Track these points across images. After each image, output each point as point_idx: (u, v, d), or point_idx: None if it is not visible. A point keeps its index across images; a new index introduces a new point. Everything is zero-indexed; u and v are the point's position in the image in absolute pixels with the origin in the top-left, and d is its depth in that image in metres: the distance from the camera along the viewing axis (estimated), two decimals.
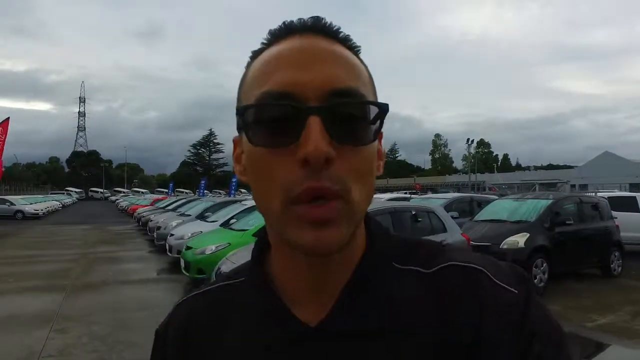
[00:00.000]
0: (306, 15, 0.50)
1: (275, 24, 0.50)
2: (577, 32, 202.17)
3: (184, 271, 7.43)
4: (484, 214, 8.94)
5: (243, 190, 61.38)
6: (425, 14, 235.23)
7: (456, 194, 14.20)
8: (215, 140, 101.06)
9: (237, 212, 9.39)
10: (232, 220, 9.05)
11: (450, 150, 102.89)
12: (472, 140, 53.26)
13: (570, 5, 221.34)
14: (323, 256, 0.46)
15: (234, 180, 32.69)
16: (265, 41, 0.50)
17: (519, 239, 7.32)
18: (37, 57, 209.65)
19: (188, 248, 7.58)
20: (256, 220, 8.97)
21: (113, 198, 67.32)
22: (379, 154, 0.51)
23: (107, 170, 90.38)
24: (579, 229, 8.08)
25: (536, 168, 77.83)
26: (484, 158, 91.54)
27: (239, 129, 0.50)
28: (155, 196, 37.71)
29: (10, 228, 18.96)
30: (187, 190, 71.89)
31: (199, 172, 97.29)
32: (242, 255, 5.66)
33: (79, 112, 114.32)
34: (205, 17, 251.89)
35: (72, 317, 5.63)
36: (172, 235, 9.65)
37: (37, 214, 27.59)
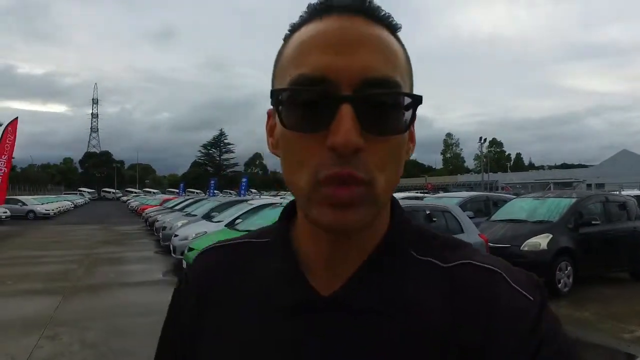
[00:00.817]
0: None
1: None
2: (590, 29, 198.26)
3: None
4: (502, 213, 8.48)
5: (253, 190, 61.63)
6: (436, 12, 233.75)
7: (471, 193, 13.59)
8: (225, 141, 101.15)
9: (243, 212, 9.07)
10: (238, 221, 8.73)
11: (462, 149, 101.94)
12: (485, 139, 52.38)
13: (583, 1, 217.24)
14: (343, 234, 0.47)
15: (244, 180, 32.50)
16: (303, 15, 0.50)
17: (541, 241, 6.87)
18: (53, 60, 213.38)
19: (191, 249, 7.21)
20: (262, 221, 8.72)
21: (124, 198, 67.75)
22: (411, 136, 0.52)
23: (119, 171, 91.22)
24: (606, 229, 7.56)
25: (550, 167, 76.34)
26: (496, 157, 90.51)
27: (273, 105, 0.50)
28: (165, 196, 37.47)
29: (18, 228, 18.86)
30: (198, 191, 72.08)
31: (209, 172, 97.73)
32: None
33: (91, 113, 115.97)
34: (216, 18, 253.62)
35: (66, 322, 5.30)
36: (176, 235, 9.32)
37: (49, 214, 27.69)
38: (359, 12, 0.47)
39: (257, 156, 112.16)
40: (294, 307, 0.50)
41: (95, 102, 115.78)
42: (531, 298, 0.48)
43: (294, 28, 0.50)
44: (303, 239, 0.54)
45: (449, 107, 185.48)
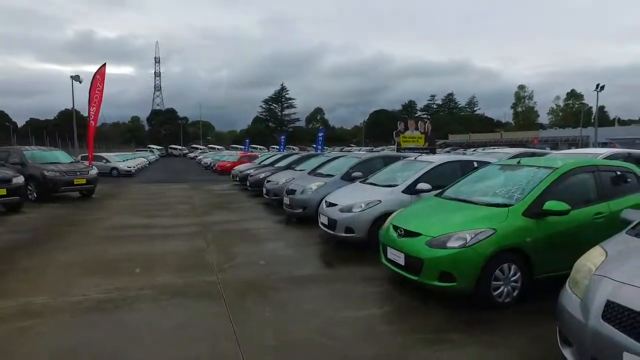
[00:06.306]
0: None
1: None
2: None
3: (388, 265, 5.32)
4: None
5: (293, 147, 60.55)
6: None
7: (607, 149, 11.47)
8: (287, 96, 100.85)
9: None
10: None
11: (535, 102, 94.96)
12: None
13: None
14: None
15: (320, 134, 31.13)
16: None
17: None
18: (123, 23, 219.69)
19: (408, 233, 4.93)
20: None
21: (191, 155, 69.65)
22: None
23: (183, 127, 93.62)
24: None
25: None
26: (574, 111, 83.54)
27: None
28: (243, 152, 36.79)
29: (109, 186, 18.60)
30: (260, 147, 72.85)
31: (270, 127, 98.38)
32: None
33: (154, 72, 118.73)
34: None
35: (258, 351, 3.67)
36: (331, 205, 7.53)
37: (130, 171, 28.35)
38: None
39: (318, 111, 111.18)
40: None
41: (157, 60, 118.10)
42: None
43: None
44: None
45: (516, 58, 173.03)
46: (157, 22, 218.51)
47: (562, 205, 4.49)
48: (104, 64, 17.37)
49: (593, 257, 3.07)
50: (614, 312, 2.52)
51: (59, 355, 3.50)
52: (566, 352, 2.87)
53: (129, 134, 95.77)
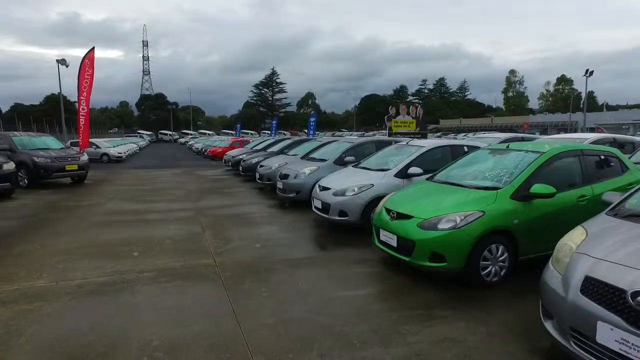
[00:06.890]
0: None
1: None
2: None
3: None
4: None
5: (284, 132, 60.98)
6: None
7: (593, 134, 11.87)
8: (277, 80, 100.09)
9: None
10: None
11: (526, 87, 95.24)
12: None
13: None
14: None
15: (312, 119, 31.36)
16: None
17: None
18: (111, 5, 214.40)
19: (400, 216, 5.05)
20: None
21: (182, 140, 69.29)
22: None
23: (173, 113, 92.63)
24: None
25: (631, 107, 69.31)
26: (564, 96, 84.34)
27: None
28: (235, 137, 36.83)
29: (102, 173, 18.59)
30: (252, 132, 72.63)
31: (262, 112, 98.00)
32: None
33: (142, 56, 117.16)
34: None
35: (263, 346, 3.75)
36: (325, 188, 7.63)
37: (121, 157, 28.23)
38: None
39: (309, 96, 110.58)
40: None
41: (145, 44, 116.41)
42: None
43: None
44: None
45: (508, 43, 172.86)
46: (144, 4, 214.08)
47: (548, 189, 4.68)
48: (93, 48, 17.08)
49: (574, 237, 3.25)
50: (591, 286, 2.72)
51: (65, 335, 3.63)
52: (547, 324, 3.07)
53: (118, 120, 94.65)
